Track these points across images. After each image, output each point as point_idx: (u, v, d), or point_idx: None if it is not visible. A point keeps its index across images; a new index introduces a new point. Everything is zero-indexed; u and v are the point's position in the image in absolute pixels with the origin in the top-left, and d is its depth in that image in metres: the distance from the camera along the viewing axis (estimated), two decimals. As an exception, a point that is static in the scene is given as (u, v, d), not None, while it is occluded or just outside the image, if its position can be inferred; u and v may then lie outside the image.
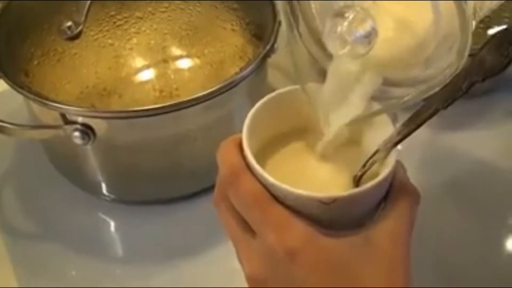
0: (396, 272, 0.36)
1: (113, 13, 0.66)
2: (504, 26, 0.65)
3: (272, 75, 0.61)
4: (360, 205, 0.38)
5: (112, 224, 0.60)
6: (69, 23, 0.57)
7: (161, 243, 0.57)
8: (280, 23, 0.58)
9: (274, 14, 0.58)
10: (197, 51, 0.67)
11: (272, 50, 0.56)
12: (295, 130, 0.43)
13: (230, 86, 0.52)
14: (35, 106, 0.55)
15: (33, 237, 0.59)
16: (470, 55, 0.34)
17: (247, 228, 0.38)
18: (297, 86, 0.42)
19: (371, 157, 0.39)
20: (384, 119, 0.40)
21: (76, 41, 0.60)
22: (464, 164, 0.62)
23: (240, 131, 0.39)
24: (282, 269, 0.36)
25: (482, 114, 0.67)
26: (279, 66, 0.63)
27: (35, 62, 0.61)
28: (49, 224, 0.59)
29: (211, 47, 0.67)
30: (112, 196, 0.60)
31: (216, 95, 0.52)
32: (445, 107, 0.36)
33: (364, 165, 0.39)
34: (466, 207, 0.59)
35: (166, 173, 0.57)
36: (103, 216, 0.60)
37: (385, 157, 0.38)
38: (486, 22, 0.63)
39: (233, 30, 0.65)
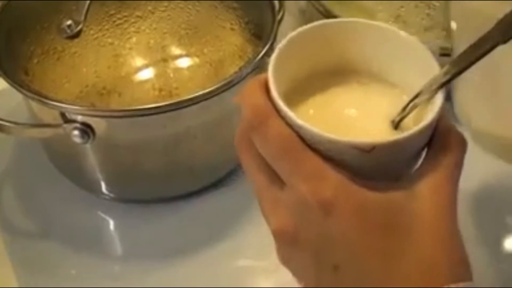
0: (444, 235, 0.33)
1: (112, 12, 0.66)
2: None
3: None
4: (402, 153, 0.34)
5: (112, 223, 0.60)
6: (69, 22, 0.57)
7: (160, 242, 0.57)
8: (279, 22, 0.58)
9: (274, 13, 0.58)
10: (197, 50, 0.67)
11: (271, 49, 0.56)
12: (329, 71, 0.39)
13: (230, 85, 0.52)
14: (35, 105, 0.55)
15: (33, 235, 0.59)
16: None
17: (274, 178, 0.34)
18: (337, 19, 0.38)
19: (412, 100, 0.35)
20: (427, 57, 0.36)
21: (76, 40, 0.60)
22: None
23: None
24: (315, 222, 0.33)
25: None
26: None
27: (35, 61, 0.61)
28: (49, 223, 0.59)
29: (211, 46, 0.67)
30: (112, 195, 0.60)
31: (216, 94, 0.52)
32: (506, 41, 0.31)
33: (404, 109, 0.36)
34: (466, 204, 0.59)
35: (165, 172, 0.57)
36: (103, 215, 0.60)
37: (429, 100, 0.34)
38: None
39: (232, 29, 0.65)
